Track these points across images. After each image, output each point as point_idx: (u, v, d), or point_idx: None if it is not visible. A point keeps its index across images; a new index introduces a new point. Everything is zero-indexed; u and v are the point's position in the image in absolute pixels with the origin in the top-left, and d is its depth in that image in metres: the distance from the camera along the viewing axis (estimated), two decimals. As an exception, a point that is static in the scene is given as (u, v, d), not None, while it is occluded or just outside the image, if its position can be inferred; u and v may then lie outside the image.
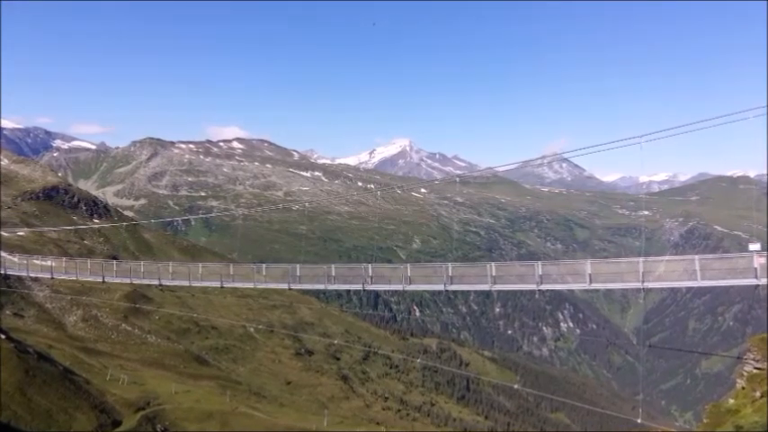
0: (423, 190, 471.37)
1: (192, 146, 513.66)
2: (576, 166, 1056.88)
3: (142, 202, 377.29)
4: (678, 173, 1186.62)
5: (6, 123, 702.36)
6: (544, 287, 25.99)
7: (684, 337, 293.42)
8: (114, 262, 44.39)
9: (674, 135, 26.19)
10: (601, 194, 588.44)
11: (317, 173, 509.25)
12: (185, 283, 37.52)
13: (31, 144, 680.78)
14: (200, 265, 36.97)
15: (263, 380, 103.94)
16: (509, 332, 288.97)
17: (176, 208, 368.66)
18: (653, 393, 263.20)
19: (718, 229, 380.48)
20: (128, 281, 40.20)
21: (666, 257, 25.21)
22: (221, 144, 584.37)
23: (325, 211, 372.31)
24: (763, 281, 22.05)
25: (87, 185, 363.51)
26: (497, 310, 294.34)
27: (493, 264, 27.06)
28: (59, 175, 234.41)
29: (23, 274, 51.37)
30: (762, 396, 30.23)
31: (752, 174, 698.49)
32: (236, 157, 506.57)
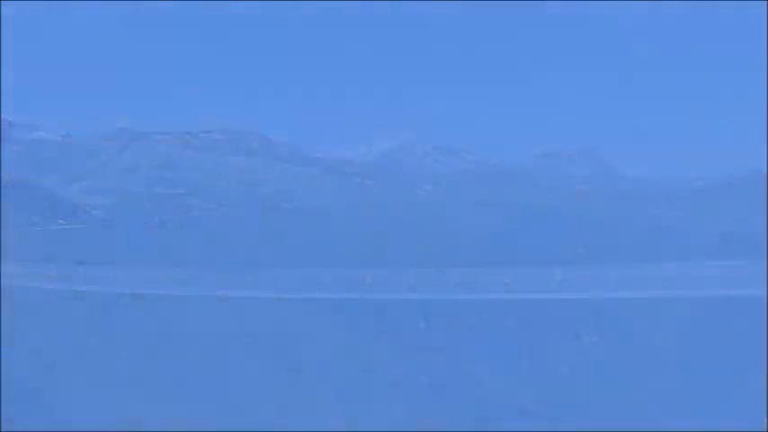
0: (428, 186, 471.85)
1: (169, 137, 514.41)
2: (602, 159, 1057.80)
3: (112, 200, 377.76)
4: (718, 167, 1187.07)
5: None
6: (565, 295, 26.00)
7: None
8: (81, 268, 44.27)
9: (714, 125, 26.11)
10: (630, 191, 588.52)
11: (310, 168, 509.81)
12: (162, 292, 37.46)
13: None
14: (179, 270, 36.90)
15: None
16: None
17: (151, 207, 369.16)
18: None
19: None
20: (97, 289, 40.10)
21: (705, 263, 25.19)
22: (202, 135, 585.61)
23: (318, 210, 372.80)
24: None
25: (51, 181, 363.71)
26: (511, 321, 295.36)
27: (507, 269, 27.06)
28: (19, 169, 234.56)
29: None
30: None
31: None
32: (220, 150, 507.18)
